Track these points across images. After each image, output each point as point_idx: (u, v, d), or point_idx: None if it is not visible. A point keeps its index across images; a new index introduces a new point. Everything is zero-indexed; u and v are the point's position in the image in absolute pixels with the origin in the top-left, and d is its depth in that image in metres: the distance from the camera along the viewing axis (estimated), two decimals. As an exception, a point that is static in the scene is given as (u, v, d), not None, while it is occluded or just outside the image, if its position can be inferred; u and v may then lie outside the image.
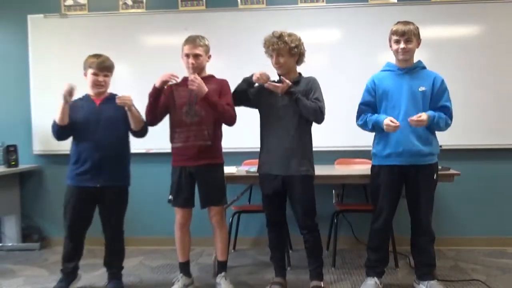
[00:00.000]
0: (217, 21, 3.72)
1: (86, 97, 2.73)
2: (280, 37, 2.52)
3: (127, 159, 2.78)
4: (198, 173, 2.66)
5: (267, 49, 2.58)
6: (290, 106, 2.55)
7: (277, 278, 2.74)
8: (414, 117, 2.44)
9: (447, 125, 2.60)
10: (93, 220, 2.74)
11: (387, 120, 2.50)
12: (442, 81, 2.60)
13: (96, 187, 2.63)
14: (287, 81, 2.50)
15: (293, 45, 2.53)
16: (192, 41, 2.62)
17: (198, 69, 2.65)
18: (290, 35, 2.55)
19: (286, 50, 2.53)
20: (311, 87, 2.58)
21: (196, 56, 2.62)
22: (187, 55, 2.63)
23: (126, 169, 2.77)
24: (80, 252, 2.78)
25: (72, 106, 2.64)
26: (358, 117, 2.73)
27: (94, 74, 2.64)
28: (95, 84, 2.66)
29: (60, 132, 2.64)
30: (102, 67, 2.65)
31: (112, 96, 2.72)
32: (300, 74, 2.68)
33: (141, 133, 2.76)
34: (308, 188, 2.59)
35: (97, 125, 2.63)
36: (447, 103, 2.57)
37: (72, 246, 2.72)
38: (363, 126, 2.69)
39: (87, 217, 2.72)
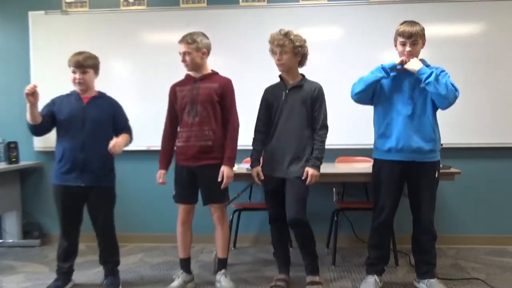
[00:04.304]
0: (218, 18, 3.71)
1: (74, 94, 2.70)
2: (286, 34, 2.56)
3: (111, 160, 2.73)
4: (199, 173, 2.66)
5: (272, 44, 2.59)
6: (294, 108, 2.59)
7: (281, 274, 2.75)
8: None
9: (449, 89, 2.43)
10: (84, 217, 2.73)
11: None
12: (443, 70, 2.57)
13: (80, 186, 2.60)
14: None
15: (297, 44, 2.55)
16: (181, 39, 2.63)
17: (190, 66, 2.65)
18: (296, 35, 2.58)
19: (290, 48, 2.55)
20: (317, 97, 2.61)
21: (185, 54, 2.62)
22: (180, 54, 2.65)
23: (111, 169, 2.74)
24: (75, 252, 2.78)
25: (58, 101, 2.67)
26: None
27: (73, 72, 2.63)
28: (73, 82, 2.64)
29: (33, 130, 2.63)
30: (79, 65, 2.61)
31: (100, 96, 2.72)
32: (303, 76, 2.68)
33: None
34: (302, 187, 2.58)
35: (82, 124, 2.60)
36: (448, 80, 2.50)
37: (67, 245, 2.71)
38: (358, 84, 2.63)
39: (77, 216, 2.71)
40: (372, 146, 2.74)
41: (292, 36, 2.55)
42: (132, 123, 2.82)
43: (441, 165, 2.70)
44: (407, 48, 2.53)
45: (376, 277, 2.69)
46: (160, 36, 3.81)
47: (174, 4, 3.80)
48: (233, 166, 2.68)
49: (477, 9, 3.59)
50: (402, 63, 2.54)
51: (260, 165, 2.70)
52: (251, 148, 2.73)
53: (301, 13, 3.67)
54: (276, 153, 2.62)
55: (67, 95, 2.71)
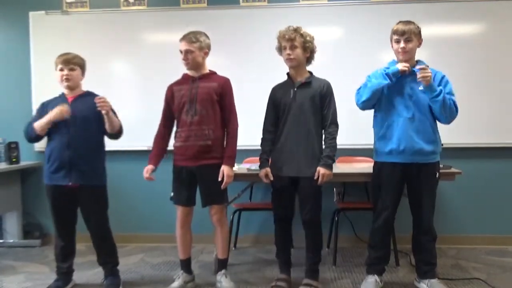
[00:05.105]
0: (219, 18, 3.71)
1: (61, 95, 2.71)
2: (296, 29, 2.58)
3: (101, 159, 2.72)
4: (198, 173, 2.65)
5: (281, 39, 2.58)
6: (303, 105, 2.57)
7: (281, 274, 2.74)
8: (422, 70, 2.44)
9: (452, 112, 2.52)
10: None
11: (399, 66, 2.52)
12: (443, 76, 2.58)
13: (68, 185, 2.59)
14: None
15: (308, 38, 2.59)
16: (184, 37, 2.62)
17: (190, 65, 2.64)
18: (305, 31, 2.61)
19: (301, 42, 2.57)
20: (326, 93, 2.60)
21: (187, 52, 2.61)
22: (181, 52, 2.64)
23: (101, 169, 2.72)
24: (73, 252, 2.77)
25: (46, 104, 2.67)
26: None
27: (60, 69, 2.63)
28: (61, 79, 2.63)
29: (35, 139, 2.65)
30: (67, 61, 2.61)
31: (87, 94, 2.71)
32: (311, 73, 2.68)
33: (116, 135, 2.72)
34: (317, 187, 2.57)
35: (67, 123, 2.59)
36: (451, 96, 2.54)
37: (63, 245, 2.71)
38: (363, 93, 2.62)
39: (70, 216, 2.71)
40: (372, 146, 2.74)
41: (302, 31, 2.58)
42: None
43: (441, 165, 2.70)
44: (401, 45, 2.53)
45: (376, 277, 2.69)
46: (160, 36, 3.81)
47: (174, 4, 3.80)
48: (233, 165, 2.67)
49: (477, 9, 3.59)
50: (401, 73, 2.53)
51: (269, 165, 2.66)
52: (259, 148, 2.69)
53: (302, 13, 3.67)
54: (286, 152, 2.59)
55: (55, 97, 2.71)
